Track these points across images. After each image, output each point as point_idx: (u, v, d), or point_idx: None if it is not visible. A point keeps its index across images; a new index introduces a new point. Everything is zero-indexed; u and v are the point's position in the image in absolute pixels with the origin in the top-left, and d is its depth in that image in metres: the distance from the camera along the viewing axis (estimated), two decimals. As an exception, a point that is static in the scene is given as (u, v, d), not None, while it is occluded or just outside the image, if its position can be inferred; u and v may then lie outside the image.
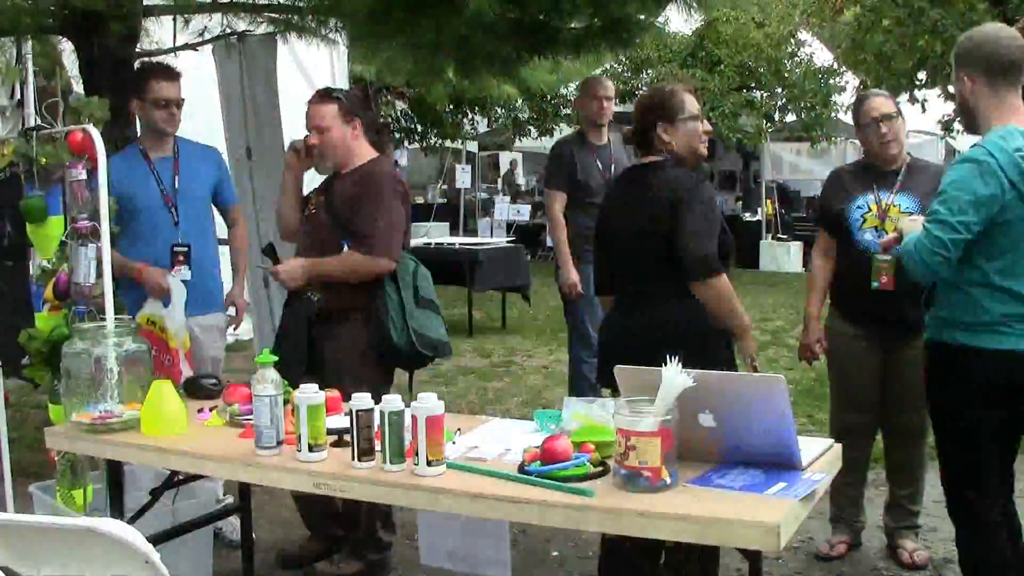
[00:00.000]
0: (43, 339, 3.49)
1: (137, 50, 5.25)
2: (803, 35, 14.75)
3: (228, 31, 5.69)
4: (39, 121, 3.88)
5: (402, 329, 3.39)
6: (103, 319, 3.25)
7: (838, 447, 2.40)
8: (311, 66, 8.52)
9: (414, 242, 10.06)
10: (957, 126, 13.85)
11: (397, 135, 16.36)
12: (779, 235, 15.89)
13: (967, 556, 2.86)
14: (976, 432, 2.75)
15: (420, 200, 18.70)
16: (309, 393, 2.38)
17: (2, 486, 3.78)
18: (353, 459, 2.33)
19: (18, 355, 3.60)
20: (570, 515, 2.06)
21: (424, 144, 16.89)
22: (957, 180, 2.61)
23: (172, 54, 5.60)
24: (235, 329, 4.45)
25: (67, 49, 5.67)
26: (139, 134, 4.10)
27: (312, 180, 3.77)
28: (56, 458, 3.40)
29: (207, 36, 5.69)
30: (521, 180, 20.51)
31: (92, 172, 3.36)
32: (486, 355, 7.95)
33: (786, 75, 14.08)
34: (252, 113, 5.93)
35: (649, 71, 14.17)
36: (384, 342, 3.38)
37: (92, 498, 3.40)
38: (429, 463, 2.21)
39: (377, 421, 2.31)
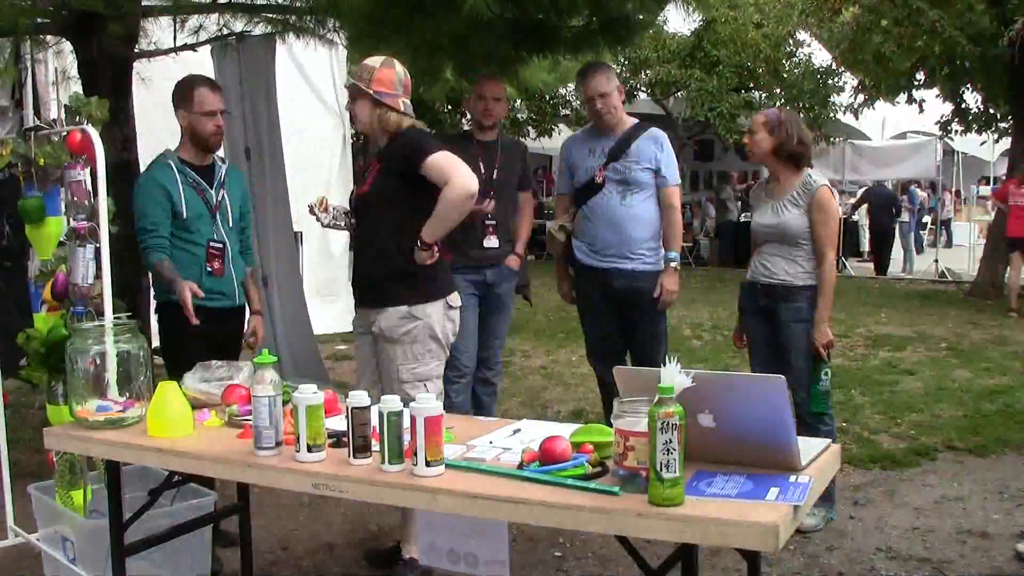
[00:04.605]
0: (41, 339, 3.49)
1: (136, 51, 5.25)
2: (801, 35, 14.75)
3: (227, 32, 5.69)
4: (38, 121, 3.87)
5: None
6: (102, 320, 3.25)
7: (837, 447, 2.40)
8: (309, 66, 8.52)
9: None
10: (955, 127, 13.90)
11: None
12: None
13: None
14: None
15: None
16: (308, 393, 2.38)
17: (1, 487, 3.79)
18: (349, 456, 2.33)
19: (16, 355, 3.60)
20: (570, 515, 2.05)
21: (423, 144, 16.85)
22: None
23: (171, 54, 5.60)
24: None
25: (67, 49, 5.67)
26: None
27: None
28: (55, 459, 3.40)
29: (203, 34, 5.69)
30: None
31: (92, 173, 3.36)
32: (485, 355, 7.93)
33: (784, 75, 14.08)
34: (251, 113, 5.93)
35: (648, 71, 14.17)
36: None
37: (92, 498, 3.40)
38: (428, 463, 2.21)
39: (375, 421, 2.31)
